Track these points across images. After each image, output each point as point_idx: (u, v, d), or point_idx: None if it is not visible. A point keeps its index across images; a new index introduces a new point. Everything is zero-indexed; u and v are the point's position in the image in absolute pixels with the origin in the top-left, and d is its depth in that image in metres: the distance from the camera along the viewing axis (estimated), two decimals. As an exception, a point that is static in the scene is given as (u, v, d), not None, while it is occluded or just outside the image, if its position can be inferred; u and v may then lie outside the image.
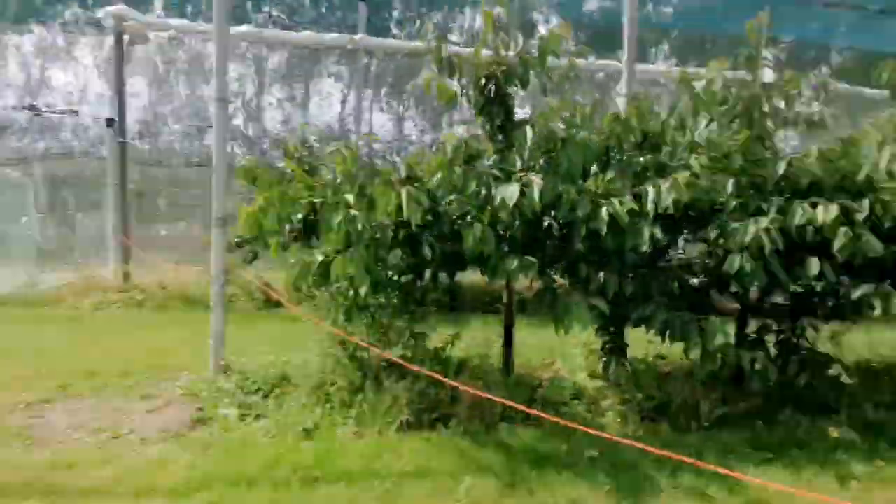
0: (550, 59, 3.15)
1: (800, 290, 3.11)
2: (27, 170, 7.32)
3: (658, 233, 2.82)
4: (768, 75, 3.34)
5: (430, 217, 3.00)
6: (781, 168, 2.96)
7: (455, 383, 3.00)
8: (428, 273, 3.32)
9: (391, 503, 2.44)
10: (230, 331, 4.04)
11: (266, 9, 9.17)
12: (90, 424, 3.12)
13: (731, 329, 3.04)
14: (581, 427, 2.62)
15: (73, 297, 6.22)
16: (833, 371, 3.30)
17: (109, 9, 6.83)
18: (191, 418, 3.21)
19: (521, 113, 3.40)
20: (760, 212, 2.89)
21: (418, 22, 9.23)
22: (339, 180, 3.34)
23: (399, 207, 2.79)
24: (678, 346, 3.02)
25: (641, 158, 3.18)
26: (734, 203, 2.93)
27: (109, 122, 7.08)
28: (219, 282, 3.73)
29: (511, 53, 3.17)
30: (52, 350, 4.40)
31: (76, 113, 8.18)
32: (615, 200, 2.80)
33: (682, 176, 2.80)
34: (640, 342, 3.52)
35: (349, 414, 3.19)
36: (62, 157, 8.34)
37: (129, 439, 2.97)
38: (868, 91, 7.44)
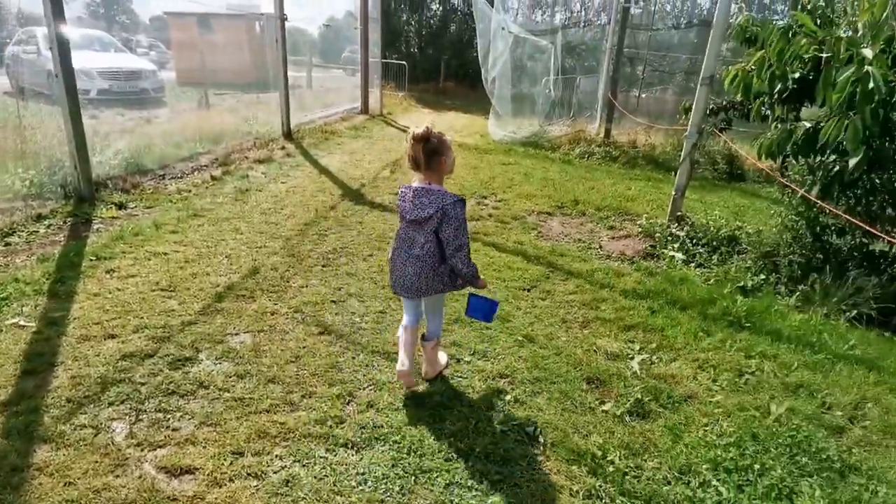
0: None
1: None
2: (552, 39, 9.07)
3: None
4: None
5: None
6: None
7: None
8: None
9: (821, 371, 2.42)
10: (688, 192, 4.36)
11: None
12: (574, 235, 4.23)
13: None
14: None
15: (567, 145, 7.83)
16: None
17: None
18: (644, 250, 3.86)
19: None
20: None
21: None
22: (859, 32, 2.86)
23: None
24: None
25: None
26: None
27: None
28: (692, 139, 3.97)
29: None
30: (552, 181, 5.88)
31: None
32: None
33: None
34: None
35: (795, 289, 3.11)
36: (573, 26, 9.83)
37: (596, 251, 3.90)
38: None
